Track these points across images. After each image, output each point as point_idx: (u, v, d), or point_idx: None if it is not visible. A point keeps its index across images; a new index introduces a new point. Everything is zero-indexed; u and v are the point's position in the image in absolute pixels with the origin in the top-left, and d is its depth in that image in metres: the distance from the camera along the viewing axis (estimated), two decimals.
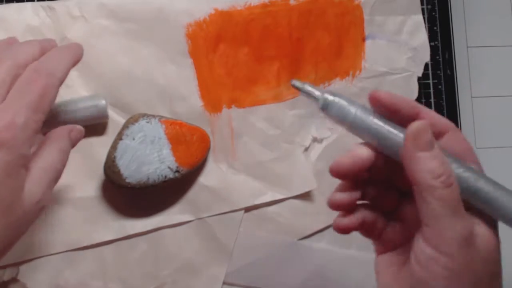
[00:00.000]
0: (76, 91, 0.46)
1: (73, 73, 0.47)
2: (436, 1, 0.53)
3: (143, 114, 0.45)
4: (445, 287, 0.29)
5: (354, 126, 0.31)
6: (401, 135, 0.30)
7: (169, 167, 0.44)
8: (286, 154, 0.48)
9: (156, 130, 0.44)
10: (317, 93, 0.32)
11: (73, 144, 0.38)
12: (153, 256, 0.46)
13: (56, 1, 0.47)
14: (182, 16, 0.47)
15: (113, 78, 0.47)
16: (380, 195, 0.33)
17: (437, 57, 0.52)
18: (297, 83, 0.33)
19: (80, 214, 0.45)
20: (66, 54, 0.37)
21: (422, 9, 0.51)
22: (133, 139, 0.44)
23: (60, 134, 0.37)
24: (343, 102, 0.31)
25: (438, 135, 0.31)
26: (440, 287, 0.29)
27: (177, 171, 0.44)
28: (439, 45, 0.52)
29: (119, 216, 0.46)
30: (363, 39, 0.50)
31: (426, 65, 0.51)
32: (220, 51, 0.48)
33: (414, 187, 0.29)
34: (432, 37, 0.52)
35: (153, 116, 0.45)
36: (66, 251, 0.45)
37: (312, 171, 0.48)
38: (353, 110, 0.31)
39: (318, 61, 0.49)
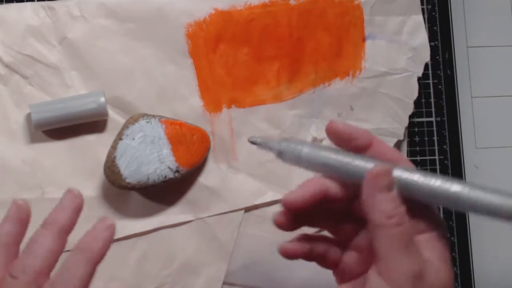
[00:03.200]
0: (76, 91, 0.46)
1: (73, 73, 0.47)
2: (436, 1, 0.53)
3: (143, 114, 0.45)
4: None
5: (308, 165, 0.33)
6: (356, 162, 0.32)
7: (169, 167, 0.44)
8: None
9: (156, 130, 0.44)
10: (270, 145, 0.34)
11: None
12: (153, 256, 0.46)
13: (56, 1, 0.47)
14: (182, 16, 0.47)
15: (113, 78, 0.47)
16: (337, 225, 0.34)
17: (437, 57, 0.52)
18: (252, 139, 0.35)
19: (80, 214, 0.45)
20: (104, 234, 0.34)
21: (422, 9, 0.51)
22: (133, 139, 0.44)
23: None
24: (292, 146, 0.33)
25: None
26: None
27: (177, 171, 0.44)
28: (439, 45, 0.52)
29: (119, 216, 0.46)
30: (363, 39, 0.50)
31: (426, 65, 0.51)
32: (220, 51, 0.48)
33: (369, 223, 0.30)
34: (432, 37, 0.52)
35: (153, 116, 0.45)
36: (66, 251, 0.45)
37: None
38: (303, 150, 0.32)
39: (318, 61, 0.49)
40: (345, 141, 0.33)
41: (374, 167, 0.31)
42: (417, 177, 0.31)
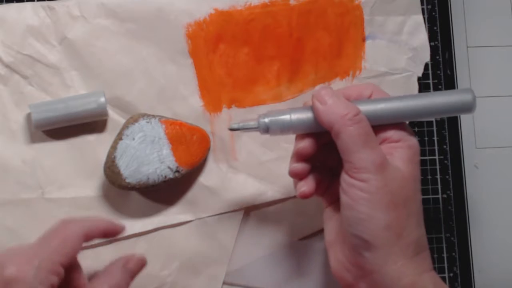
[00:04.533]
0: (76, 91, 0.46)
1: (73, 73, 0.47)
2: (436, 1, 0.53)
3: (143, 114, 0.45)
4: (366, 207, 0.34)
5: (296, 128, 0.37)
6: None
7: (169, 167, 0.44)
8: (286, 154, 0.48)
9: (156, 130, 0.44)
10: (252, 123, 0.38)
11: (133, 276, 0.40)
12: (153, 256, 0.46)
13: (56, 1, 0.47)
14: (182, 16, 0.47)
15: (113, 78, 0.47)
16: (326, 158, 0.39)
17: (437, 57, 0.52)
18: (234, 125, 0.39)
19: (80, 214, 0.45)
20: (100, 221, 0.39)
21: (422, 9, 0.51)
22: (133, 139, 0.44)
23: (113, 269, 0.39)
24: (277, 116, 0.37)
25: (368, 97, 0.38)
26: (362, 208, 0.34)
27: (177, 171, 0.44)
28: (439, 45, 0.52)
29: (119, 216, 0.46)
30: (363, 39, 0.50)
31: (426, 65, 0.51)
32: (220, 51, 0.48)
33: (332, 132, 0.35)
34: (432, 37, 0.52)
35: (153, 116, 0.45)
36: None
37: None
38: (288, 117, 0.37)
39: (318, 61, 0.49)
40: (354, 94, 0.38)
41: (316, 89, 0.37)
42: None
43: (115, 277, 0.38)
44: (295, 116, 0.37)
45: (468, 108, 0.37)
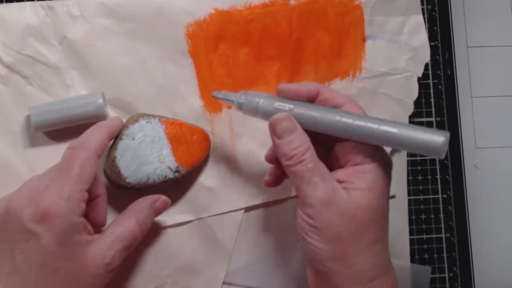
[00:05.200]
0: (76, 91, 0.46)
1: (73, 73, 0.47)
2: (436, 1, 0.53)
3: (143, 114, 0.45)
4: (313, 239, 0.35)
5: (264, 115, 0.38)
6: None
7: (169, 167, 0.44)
8: None
9: (156, 130, 0.44)
10: (232, 98, 0.40)
11: (157, 214, 0.43)
12: (153, 256, 0.46)
13: (55, 1, 0.47)
14: (182, 16, 0.47)
15: (113, 77, 0.47)
16: None
17: (437, 57, 0.52)
18: (216, 94, 0.41)
19: None
20: (100, 128, 0.41)
21: (422, 9, 0.51)
22: (133, 139, 0.44)
23: (142, 206, 0.42)
24: (250, 98, 0.39)
25: (338, 106, 0.38)
26: (310, 239, 0.36)
27: (177, 171, 0.44)
28: (439, 45, 0.52)
29: None
30: (363, 39, 0.50)
31: (426, 65, 0.51)
32: (220, 51, 0.48)
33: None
34: (432, 37, 0.52)
35: (153, 116, 0.45)
36: None
37: None
38: (259, 100, 0.39)
39: (318, 61, 0.49)
40: (294, 96, 0.39)
41: (273, 116, 0.37)
42: (314, 113, 0.37)
43: (142, 213, 0.41)
44: (264, 104, 0.38)
45: (437, 151, 0.34)
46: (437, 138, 0.34)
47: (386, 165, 0.37)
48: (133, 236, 0.40)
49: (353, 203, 0.35)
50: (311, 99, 0.39)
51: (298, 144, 0.36)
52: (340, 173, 0.37)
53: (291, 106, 0.38)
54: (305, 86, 0.39)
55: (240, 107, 0.40)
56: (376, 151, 0.37)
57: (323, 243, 0.35)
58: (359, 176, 0.36)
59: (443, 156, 0.34)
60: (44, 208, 0.36)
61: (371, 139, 0.36)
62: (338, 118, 0.36)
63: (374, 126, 0.35)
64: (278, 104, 0.38)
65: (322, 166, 0.36)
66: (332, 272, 0.35)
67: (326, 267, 0.35)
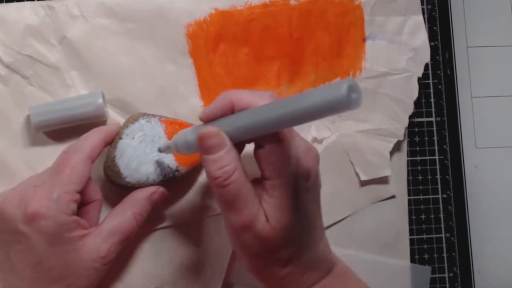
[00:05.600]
0: (76, 91, 0.46)
1: (73, 73, 0.47)
2: (436, 1, 0.53)
3: (143, 113, 0.45)
4: (237, 253, 0.37)
5: (190, 151, 0.38)
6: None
7: (168, 167, 0.44)
8: None
9: (156, 129, 0.44)
10: (169, 144, 0.41)
11: (154, 206, 0.43)
12: (153, 256, 0.46)
13: (55, 1, 0.47)
14: (182, 16, 0.47)
15: (113, 77, 0.47)
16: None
17: (437, 57, 0.52)
18: (158, 149, 0.42)
19: None
20: (95, 133, 0.42)
21: (422, 9, 0.51)
22: (133, 138, 0.43)
23: (138, 198, 0.42)
24: (178, 136, 0.39)
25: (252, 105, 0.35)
26: (235, 252, 0.38)
27: (176, 170, 0.44)
28: (439, 45, 0.52)
29: None
30: (364, 39, 0.50)
31: (426, 65, 0.51)
32: (220, 51, 0.48)
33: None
34: (432, 37, 0.52)
35: (153, 115, 0.45)
36: None
37: None
38: (172, 144, 0.40)
39: (318, 61, 0.49)
40: (215, 117, 0.36)
41: (201, 130, 0.35)
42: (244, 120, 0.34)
43: (138, 206, 0.41)
44: (192, 136, 0.37)
45: (345, 104, 0.28)
46: (341, 85, 0.28)
47: (298, 177, 0.36)
48: (129, 229, 0.40)
49: (269, 226, 0.35)
50: (230, 111, 0.36)
51: (226, 163, 0.34)
52: (263, 184, 0.36)
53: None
54: (219, 102, 0.36)
55: (177, 149, 0.40)
56: (284, 163, 0.35)
57: (244, 258, 0.37)
58: (270, 193, 0.35)
59: (353, 104, 0.28)
60: (33, 210, 0.36)
61: (284, 124, 0.32)
62: (248, 118, 0.34)
63: (281, 110, 0.31)
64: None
65: (247, 187, 0.35)
66: (257, 277, 0.38)
67: (250, 276, 0.38)
